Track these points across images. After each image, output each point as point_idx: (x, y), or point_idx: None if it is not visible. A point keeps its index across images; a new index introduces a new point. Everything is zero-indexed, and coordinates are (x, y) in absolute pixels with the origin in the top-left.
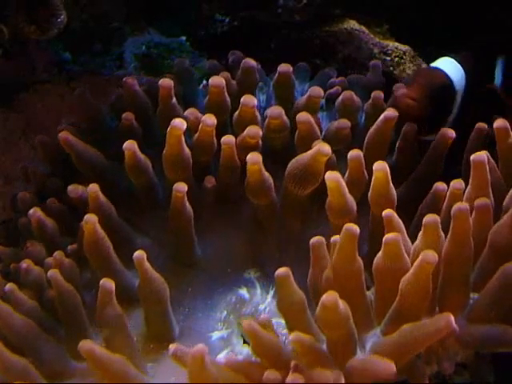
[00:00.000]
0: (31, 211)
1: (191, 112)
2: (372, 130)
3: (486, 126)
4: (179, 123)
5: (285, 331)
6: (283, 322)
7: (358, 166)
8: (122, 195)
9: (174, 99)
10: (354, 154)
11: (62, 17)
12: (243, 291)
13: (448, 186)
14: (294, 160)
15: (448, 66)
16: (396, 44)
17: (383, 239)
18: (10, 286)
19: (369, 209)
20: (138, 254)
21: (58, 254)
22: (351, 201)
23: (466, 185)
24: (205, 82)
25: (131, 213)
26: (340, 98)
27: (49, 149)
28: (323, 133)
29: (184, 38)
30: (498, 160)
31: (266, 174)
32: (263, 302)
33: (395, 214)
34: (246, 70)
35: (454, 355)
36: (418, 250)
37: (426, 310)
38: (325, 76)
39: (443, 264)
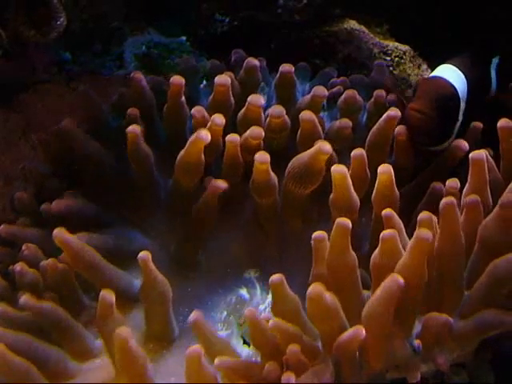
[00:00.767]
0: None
1: (198, 110)
2: (374, 129)
3: (481, 125)
4: (205, 136)
5: None
6: None
7: (361, 165)
8: (123, 194)
9: (183, 98)
10: (358, 153)
11: (62, 19)
12: (243, 291)
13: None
14: (294, 159)
15: (449, 73)
16: (396, 44)
17: (380, 236)
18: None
19: (371, 207)
20: (143, 254)
21: (51, 260)
22: (355, 197)
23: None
24: (205, 82)
25: (132, 213)
26: (342, 96)
27: (49, 147)
28: (325, 132)
29: (184, 37)
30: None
31: (272, 173)
32: (263, 303)
33: (395, 214)
34: (249, 69)
35: (450, 352)
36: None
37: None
38: (325, 76)
39: (436, 261)
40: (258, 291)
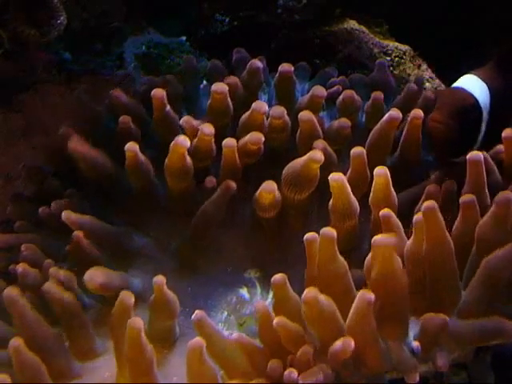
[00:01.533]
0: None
1: (186, 120)
2: (375, 129)
3: None
4: (183, 141)
5: None
6: None
7: (361, 164)
8: (123, 196)
9: (168, 107)
10: (357, 151)
11: (62, 18)
12: (243, 291)
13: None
14: (288, 165)
15: (471, 84)
16: (396, 44)
17: (372, 241)
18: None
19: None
20: (159, 279)
21: (53, 269)
22: (354, 203)
23: None
24: (205, 82)
25: (132, 213)
26: (341, 96)
27: (50, 151)
28: (324, 132)
29: (184, 37)
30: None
31: (278, 194)
32: None
33: (393, 214)
34: (252, 71)
35: (449, 352)
36: (409, 249)
37: (421, 310)
38: (326, 75)
39: (427, 265)
40: (259, 291)
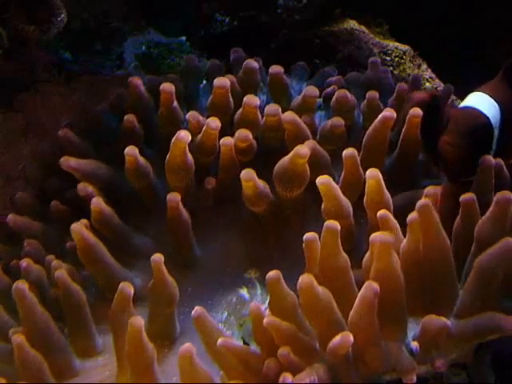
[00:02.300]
0: (8, 217)
1: (192, 115)
2: (370, 130)
3: None
4: (184, 136)
5: None
6: None
7: (354, 164)
8: (122, 196)
9: (176, 103)
10: (349, 152)
11: (63, 16)
12: (243, 291)
13: None
14: (278, 164)
15: (481, 102)
16: (396, 44)
17: (369, 238)
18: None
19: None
20: (156, 257)
21: (55, 262)
22: (346, 203)
23: None
24: (204, 81)
25: (132, 213)
26: (334, 97)
27: (43, 159)
28: (318, 131)
29: (184, 37)
30: None
31: (261, 184)
32: (264, 303)
33: (390, 214)
34: (248, 71)
35: (448, 353)
36: (405, 249)
37: (419, 310)
38: (324, 75)
39: (424, 265)
40: (259, 291)
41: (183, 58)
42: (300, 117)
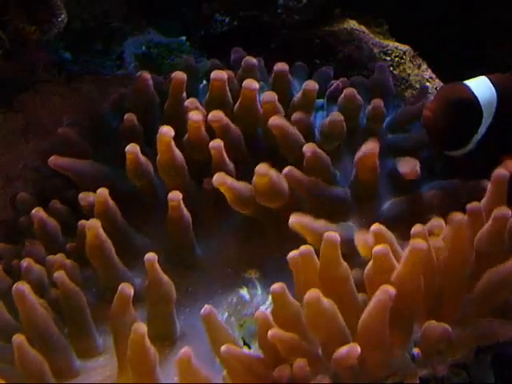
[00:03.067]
0: (34, 211)
1: (191, 101)
2: (361, 154)
3: None
4: (167, 130)
5: None
6: None
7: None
8: (122, 196)
9: (184, 94)
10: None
11: (63, 16)
12: (244, 292)
13: None
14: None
15: (477, 84)
16: (396, 44)
17: (372, 251)
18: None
19: (370, 208)
20: (150, 256)
21: (59, 255)
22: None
23: None
24: (205, 81)
25: (132, 213)
26: (343, 94)
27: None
28: (318, 131)
29: (184, 37)
30: None
31: (239, 185)
32: (264, 303)
33: (383, 227)
34: (248, 68)
35: (449, 358)
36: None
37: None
38: (322, 74)
39: (442, 270)
40: (259, 291)
41: (183, 58)
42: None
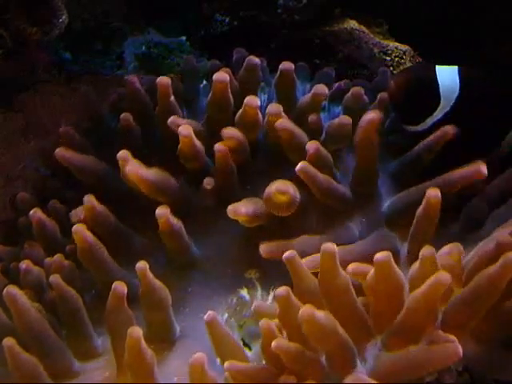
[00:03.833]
0: (32, 212)
1: (172, 121)
2: (358, 131)
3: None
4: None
5: None
6: None
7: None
8: (121, 196)
9: (173, 97)
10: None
11: (64, 17)
12: (244, 292)
13: None
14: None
15: (445, 71)
16: (396, 44)
17: (374, 258)
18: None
19: (369, 207)
20: (141, 264)
21: (57, 256)
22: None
23: None
24: (205, 82)
25: (131, 214)
26: (349, 93)
27: (48, 155)
28: (325, 130)
29: (184, 37)
30: None
31: (294, 192)
32: None
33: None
34: (250, 67)
35: (456, 367)
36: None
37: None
38: (324, 75)
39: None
40: (259, 292)
41: (183, 58)
42: (307, 116)
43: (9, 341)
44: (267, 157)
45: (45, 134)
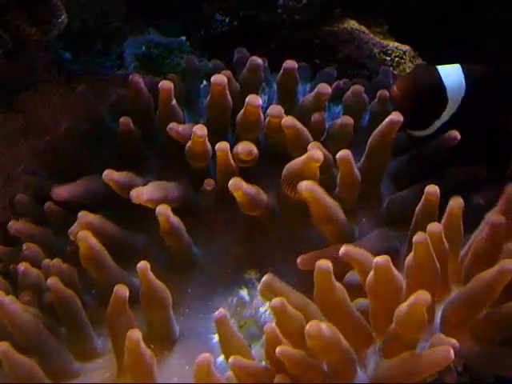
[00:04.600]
0: (9, 224)
1: (171, 128)
2: (376, 132)
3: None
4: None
5: None
6: None
7: (349, 167)
8: (122, 197)
9: (174, 101)
10: (343, 154)
11: (63, 17)
12: (244, 292)
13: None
14: (288, 165)
15: (449, 71)
16: (396, 44)
17: (374, 262)
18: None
19: (369, 207)
20: (142, 264)
21: (56, 260)
22: (334, 207)
23: None
24: (205, 82)
25: (131, 214)
26: (349, 91)
27: (44, 157)
28: (326, 130)
29: (184, 37)
30: None
31: (253, 190)
32: (263, 305)
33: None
34: (252, 68)
35: (456, 367)
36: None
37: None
38: (325, 75)
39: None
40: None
41: (183, 58)
42: (310, 115)
43: (3, 345)
44: (267, 158)
45: (45, 133)
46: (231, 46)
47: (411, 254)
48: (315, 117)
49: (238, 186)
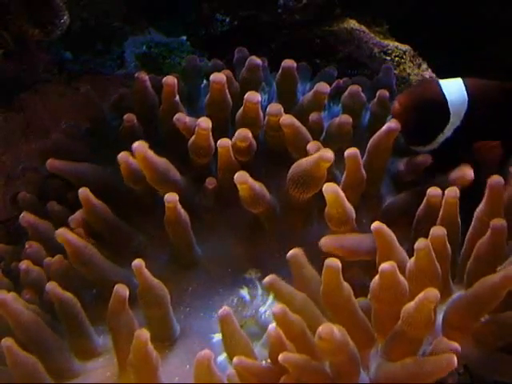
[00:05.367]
0: (21, 216)
1: (178, 118)
2: (375, 138)
3: None
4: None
5: None
6: None
7: (356, 165)
8: (122, 196)
9: (177, 97)
10: (351, 152)
11: (65, 17)
12: (244, 292)
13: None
14: (295, 164)
15: (451, 85)
16: (396, 44)
17: (379, 268)
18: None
19: (370, 207)
20: (137, 262)
21: (57, 258)
22: (350, 209)
23: None
24: (205, 81)
25: (132, 212)
26: (347, 92)
27: (47, 155)
28: (325, 129)
29: (184, 37)
30: None
31: (257, 186)
32: (264, 304)
33: (384, 226)
34: (251, 67)
35: (457, 369)
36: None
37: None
38: (326, 75)
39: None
40: (259, 292)
41: (184, 58)
42: (309, 114)
43: (7, 341)
44: (266, 157)
45: (45, 133)
46: (231, 46)
47: (413, 258)
48: (313, 116)
49: (244, 178)
